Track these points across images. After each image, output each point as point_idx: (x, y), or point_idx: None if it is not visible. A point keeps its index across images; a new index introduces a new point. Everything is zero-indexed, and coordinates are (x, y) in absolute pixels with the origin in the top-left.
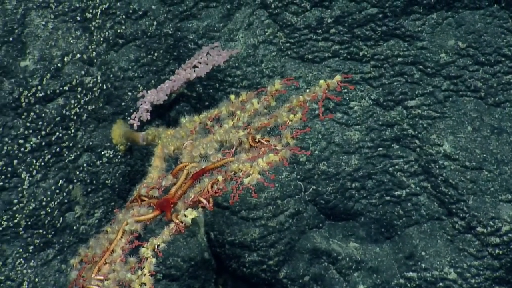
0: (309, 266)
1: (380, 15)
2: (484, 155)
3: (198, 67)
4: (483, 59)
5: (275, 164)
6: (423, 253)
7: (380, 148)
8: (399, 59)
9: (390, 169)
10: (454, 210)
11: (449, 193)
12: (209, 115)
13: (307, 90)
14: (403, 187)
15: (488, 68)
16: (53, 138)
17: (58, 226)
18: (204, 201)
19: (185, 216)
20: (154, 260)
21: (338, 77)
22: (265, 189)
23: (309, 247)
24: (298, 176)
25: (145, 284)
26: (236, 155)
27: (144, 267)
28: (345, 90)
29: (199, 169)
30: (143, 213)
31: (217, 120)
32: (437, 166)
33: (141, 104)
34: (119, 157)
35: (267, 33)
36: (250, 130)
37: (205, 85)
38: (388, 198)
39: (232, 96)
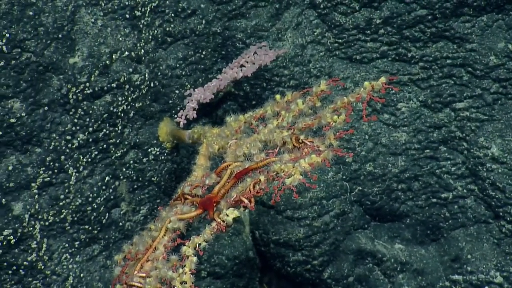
0: (353, 266)
1: (429, 17)
2: None
3: (245, 66)
4: None
5: (317, 165)
6: (469, 256)
7: (427, 150)
8: (448, 61)
9: (437, 171)
10: (501, 214)
11: (496, 196)
12: (254, 115)
13: (352, 92)
14: (450, 190)
15: None
16: (100, 135)
17: (104, 222)
18: (246, 201)
19: (227, 215)
20: (195, 258)
21: (382, 79)
22: (310, 189)
23: (354, 248)
24: (344, 177)
25: (185, 282)
26: (279, 155)
27: (185, 265)
28: (393, 92)
29: (242, 169)
30: (186, 211)
31: (262, 120)
32: (484, 169)
33: (188, 102)
34: (165, 154)
35: (315, 33)
36: (294, 130)
37: (253, 84)
38: (434, 200)
39: (278, 96)
